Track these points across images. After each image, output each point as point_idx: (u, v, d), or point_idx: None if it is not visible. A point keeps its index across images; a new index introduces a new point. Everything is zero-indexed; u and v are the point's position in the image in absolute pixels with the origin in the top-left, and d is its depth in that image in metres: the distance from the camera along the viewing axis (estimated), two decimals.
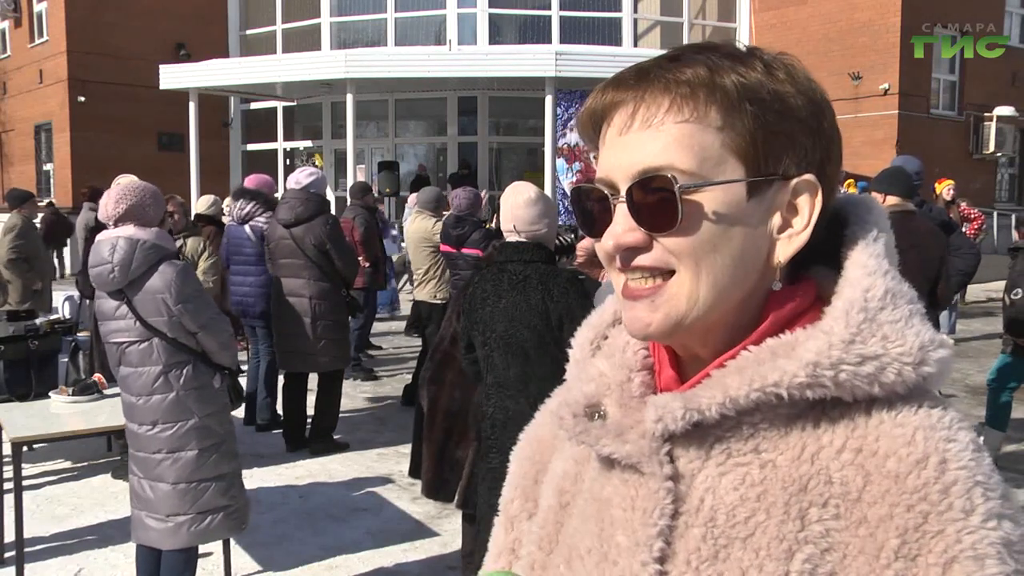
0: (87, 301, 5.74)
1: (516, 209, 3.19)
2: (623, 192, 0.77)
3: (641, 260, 0.77)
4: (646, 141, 0.76)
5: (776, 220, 0.78)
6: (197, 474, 3.37)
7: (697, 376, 0.80)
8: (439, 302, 7.11)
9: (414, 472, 4.21)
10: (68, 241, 15.07)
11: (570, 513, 0.89)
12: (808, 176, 0.78)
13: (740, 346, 0.79)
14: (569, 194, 0.89)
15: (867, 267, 0.77)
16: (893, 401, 0.74)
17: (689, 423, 0.76)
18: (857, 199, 0.84)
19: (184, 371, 3.35)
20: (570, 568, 0.84)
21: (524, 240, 3.18)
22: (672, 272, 0.77)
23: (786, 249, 0.78)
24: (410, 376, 7.61)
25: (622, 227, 0.77)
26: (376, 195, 10.15)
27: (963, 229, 8.97)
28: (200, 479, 3.38)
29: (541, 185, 12.70)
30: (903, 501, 0.70)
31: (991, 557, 0.68)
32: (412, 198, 10.42)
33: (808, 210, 0.78)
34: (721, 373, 0.77)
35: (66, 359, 6.30)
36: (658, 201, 0.75)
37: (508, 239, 3.24)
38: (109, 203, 3.31)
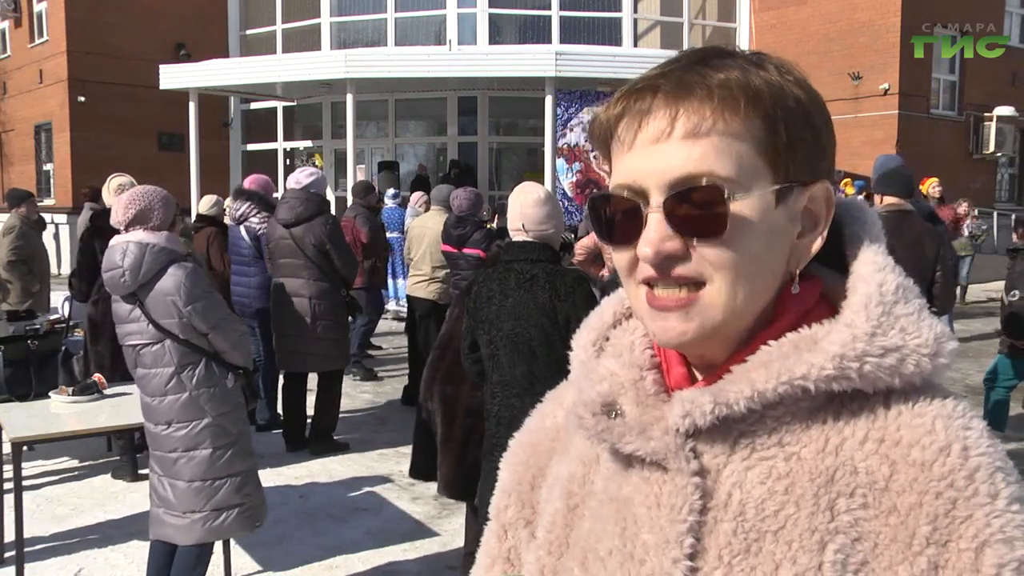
0: (85, 304, 5.70)
1: (526, 208, 3.21)
2: (657, 200, 0.76)
3: (679, 270, 0.76)
4: (684, 149, 0.75)
5: (797, 226, 0.80)
6: (211, 472, 3.42)
7: (716, 372, 0.81)
8: (442, 303, 7.10)
9: (414, 472, 4.19)
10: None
11: (580, 515, 0.88)
12: (824, 182, 0.80)
13: (757, 341, 0.80)
14: (587, 201, 0.85)
15: (876, 263, 0.79)
16: (909, 392, 0.76)
17: (717, 418, 0.77)
18: (848, 202, 0.87)
19: (196, 371, 3.40)
20: (586, 570, 0.84)
21: (531, 240, 3.20)
22: (704, 283, 0.76)
23: (805, 254, 0.81)
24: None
25: (659, 235, 0.75)
26: (379, 195, 10.12)
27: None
28: (214, 477, 3.43)
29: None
30: (931, 488, 0.72)
31: (1019, 539, 0.71)
32: (415, 197, 10.42)
33: (824, 215, 0.81)
34: (744, 367, 0.78)
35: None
36: (702, 210, 0.74)
37: (515, 238, 3.25)
38: (119, 208, 3.36)
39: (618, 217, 0.80)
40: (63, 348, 6.07)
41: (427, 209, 8.62)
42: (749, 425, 0.78)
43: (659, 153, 0.76)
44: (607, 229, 0.81)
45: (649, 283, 0.78)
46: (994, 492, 0.72)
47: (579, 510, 0.88)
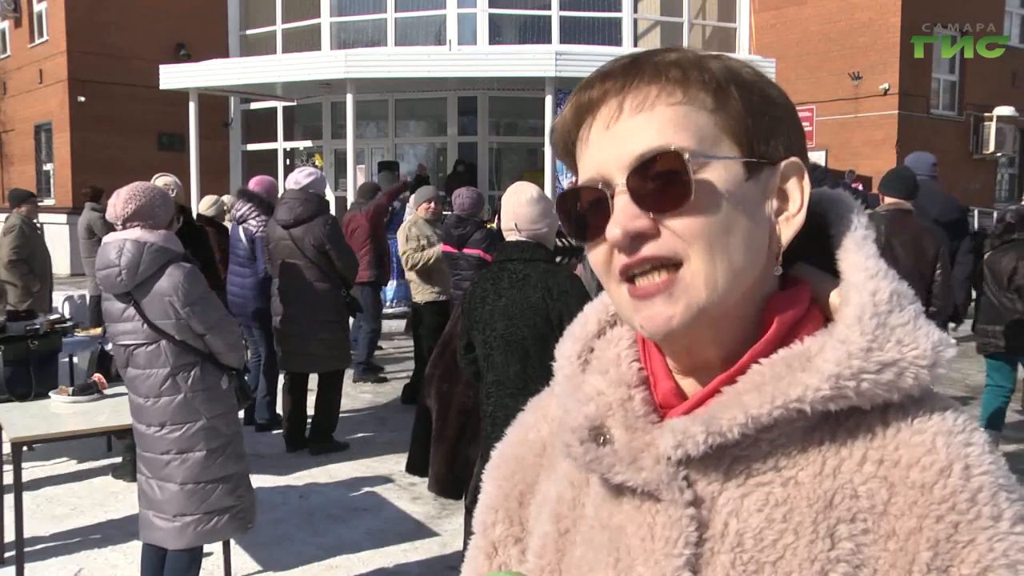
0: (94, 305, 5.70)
1: (519, 207, 3.21)
2: (621, 181, 0.74)
3: (648, 249, 0.74)
4: (639, 127, 0.74)
5: (772, 204, 0.78)
6: (205, 475, 3.38)
7: (705, 391, 0.78)
8: (419, 300, 7.23)
9: (411, 468, 4.20)
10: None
11: (572, 541, 0.84)
12: (794, 159, 0.78)
13: (747, 356, 0.76)
14: (558, 199, 0.83)
15: (868, 269, 0.75)
16: (907, 406, 0.73)
17: (711, 447, 0.73)
18: (833, 195, 0.84)
19: (192, 373, 3.36)
20: None
21: (524, 239, 3.20)
22: (681, 263, 0.74)
23: (785, 232, 0.78)
24: (410, 376, 7.62)
25: (626, 214, 0.73)
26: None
27: None
28: (207, 480, 3.39)
29: (541, 185, 12.65)
30: (932, 512, 0.69)
31: (1022, 563, 0.68)
32: (413, 198, 10.43)
33: (799, 193, 0.78)
34: (736, 390, 0.75)
35: (66, 359, 6.29)
36: (665, 181, 0.72)
37: (508, 238, 3.26)
38: (118, 203, 3.30)
39: (587, 211, 0.77)
40: (100, 348, 6.05)
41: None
42: (743, 450, 0.74)
43: (615, 136, 0.75)
44: (580, 226, 0.79)
45: (629, 277, 0.76)
46: (997, 514, 0.69)
47: (570, 535, 0.85)
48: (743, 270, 0.75)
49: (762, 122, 0.77)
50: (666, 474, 0.75)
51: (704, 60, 0.77)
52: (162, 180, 5.81)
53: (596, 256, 0.78)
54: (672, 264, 0.74)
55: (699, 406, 0.77)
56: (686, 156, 0.72)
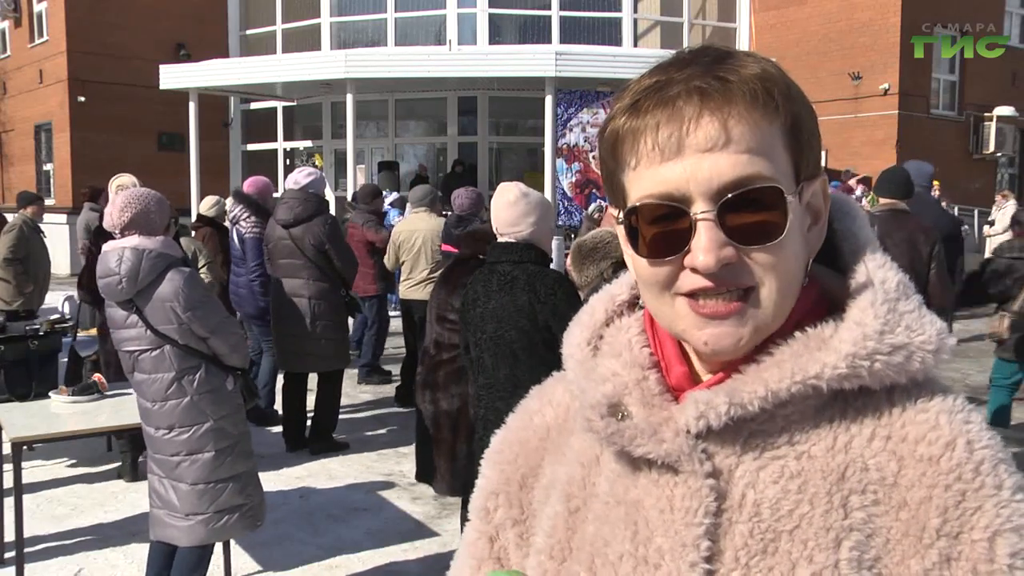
0: (92, 305, 5.68)
1: (497, 210, 3.18)
2: (703, 207, 0.74)
3: (731, 277, 0.75)
4: (726, 153, 0.73)
5: (808, 219, 0.81)
6: (214, 475, 3.42)
7: (725, 371, 0.80)
8: None
9: (421, 476, 4.21)
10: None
11: (583, 518, 0.86)
12: (824, 175, 0.82)
13: (766, 340, 0.79)
14: (625, 212, 0.79)
15: (875, 260, 0.80)
16: (910, 388, 0.77)
17: (732, 418, 0.76)
18: (836, 197, 0.87)
19: (197, 376, 3.39)
20: (595, 575, 0.82)
21: (512, 240, 3.17)
22: (752, 287, 0.75)
23: (814, 245, 0.82)
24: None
25: (716, 243, 0.73)
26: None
27: None
28: (217, 479, 3.43)
29: (541, 185, 12.67)
30: (940, 482, 0.73)
31: None
32: (409, 197, 10.43)
33: (823, 206, 0.82)
34: (756, 368, 0.78)
35: (66, 359, 6.29)
36: (761, 213, 0.74)
37: (499, 239, 3.25)
38: (114, 211, 3.32)
39: (657, 228, 0.76)
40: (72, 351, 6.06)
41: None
42: (759, 424, 0.78)
43: (704, 160, 0.74)
44: (642, 242, 0.78)
45: (692, 294, 0.76)
46: (999, 483, 0.73)
47: (581, 513, 0.86)
48: (797, 290, 0.79)
49: (811, 143, 0.80)
50: (686, 446, 0.78)
51: (777, 76, 0.77)
52: (118, 181, 5.61)
53: (657, 272, 0.78)
54: (744, 288, 0.76)
55: (718, 385, 0.80)
56: (785, 192, 0.75)
